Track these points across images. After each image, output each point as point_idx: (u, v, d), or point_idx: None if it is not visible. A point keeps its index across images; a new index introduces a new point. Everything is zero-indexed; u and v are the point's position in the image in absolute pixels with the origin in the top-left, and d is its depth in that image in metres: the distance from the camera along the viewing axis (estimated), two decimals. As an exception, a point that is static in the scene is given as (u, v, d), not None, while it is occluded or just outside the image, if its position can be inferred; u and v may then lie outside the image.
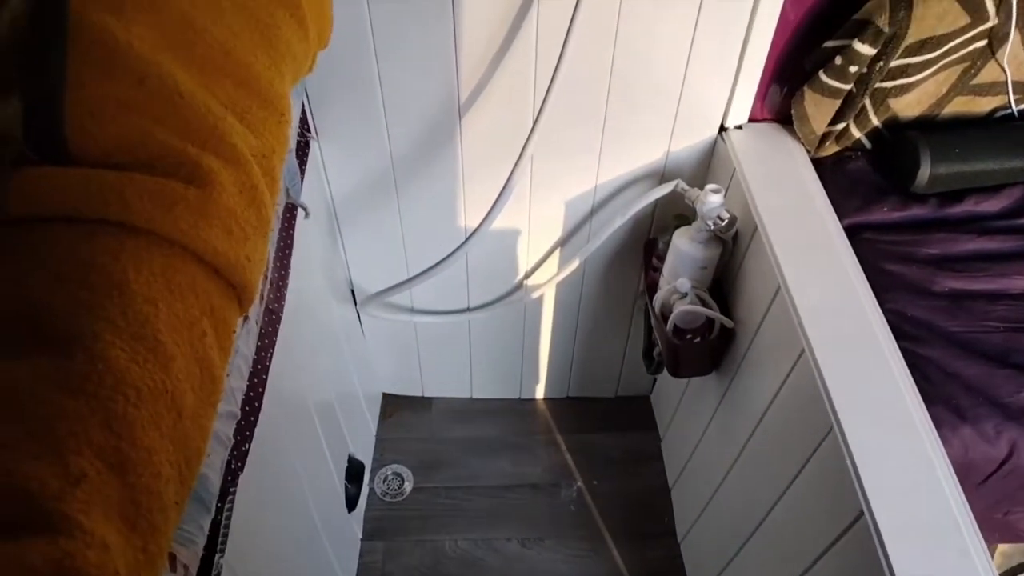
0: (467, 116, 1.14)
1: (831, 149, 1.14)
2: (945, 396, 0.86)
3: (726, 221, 1.08)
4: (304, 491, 1.07)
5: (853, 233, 1.04)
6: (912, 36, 0.96)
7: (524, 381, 1.77)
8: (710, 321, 1.18)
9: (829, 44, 1.03)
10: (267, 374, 0.76)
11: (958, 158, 1.06)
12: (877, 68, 1.00)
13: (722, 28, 1.05)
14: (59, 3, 0.45)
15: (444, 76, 1.08)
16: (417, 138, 1.18)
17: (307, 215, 0.96)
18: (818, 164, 1.14)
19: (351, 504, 1.38)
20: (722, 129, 1.20)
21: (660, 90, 1.13)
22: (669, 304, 1.19)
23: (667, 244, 1.20)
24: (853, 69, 1.00)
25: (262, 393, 0.73)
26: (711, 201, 1.09)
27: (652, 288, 1.28)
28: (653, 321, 1.25)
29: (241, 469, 0.67)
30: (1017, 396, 0.86)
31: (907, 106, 1.09)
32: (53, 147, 0.46)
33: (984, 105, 1.12)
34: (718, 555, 1.30)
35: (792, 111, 1.11)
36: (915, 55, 1.00)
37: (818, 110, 1.08)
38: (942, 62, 1.03)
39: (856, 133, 1.12)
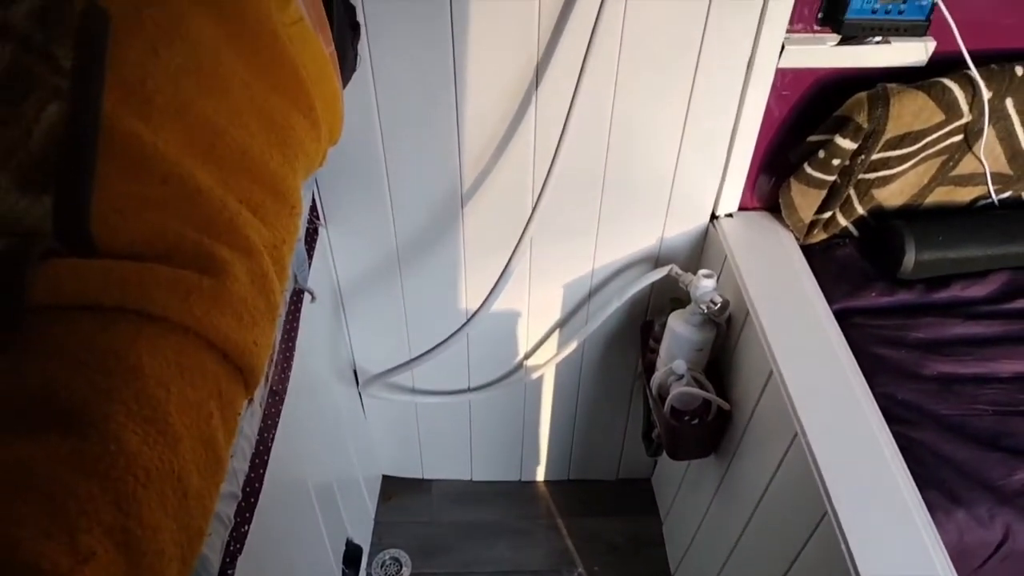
0: (469, 204, 1.19)
1: (819, 236, 1.18)
2: (938, 480, 0.87)
3: (719, 305, 1.11)
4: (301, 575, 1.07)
5: (843, 318, 1.07)
6: (891, 131, 1.01)
7: (524, 463, 1.76)
8: (707, 403, 1.19)
9: (812, 138, 1.08)
10: (268, 455, 0.77)
11: (942, 245, 1.10)
12: (859, 161, 1.05)
13: (710, 123, 1.11)
14: (94, 111, 0.49)
15: (448, 167, 1.14)
16: (421, 225, 1.22)
17: (313, 299, 0.99)
18: (807, 251, 1.18)
19: (348, 589, 1.36)
20: (713, 217, 1.25)
21: (653, 181, 1.18)
22: (666, 385, 1.21)
23: (663, 326, 1.22)
24: (836, 162, 1.05)
25: (263, 475, 0.75)
26: (704, 285, 1.12)
27: (649, 370, 1.30)
28: (651, 403, 1.26)
29: (240, 551, 0.68)
30: (1009, 479, 0.87)
31: (890, 196, 1.14)
32: (79, 240, 0.49)
33: (965, 195, 1.16)
34: (721, 645, 1.27)
35: (780, 200, 1.16)
36: (895, 149, 1.05)
37: (804, 200, 1.12)
38: (921, 155, 1.08)
39: (843, 221, 1.16)
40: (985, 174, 1.12)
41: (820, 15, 1.01)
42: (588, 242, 1.28)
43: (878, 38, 1.01)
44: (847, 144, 1.03)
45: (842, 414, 0.94)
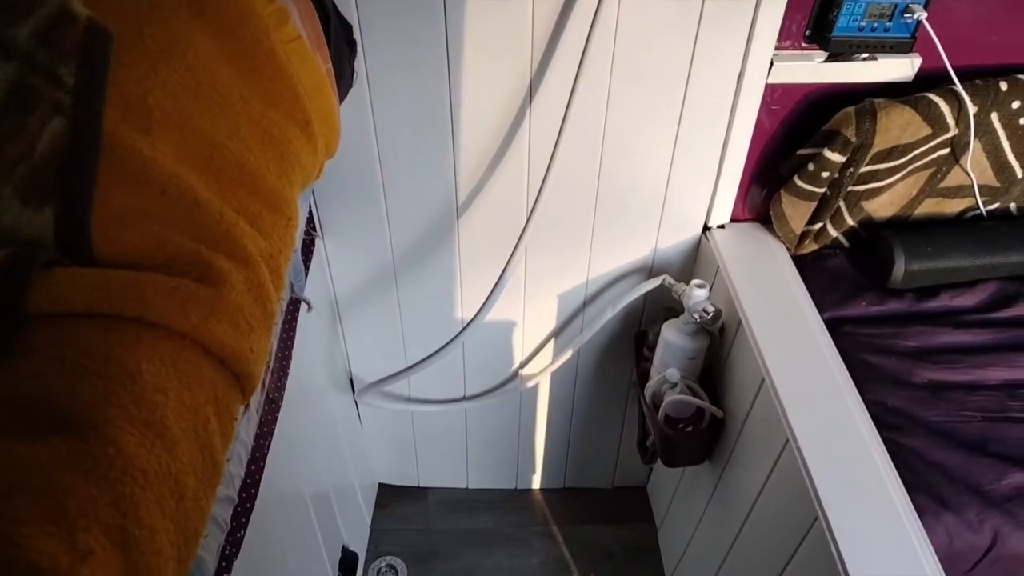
0: (464, 215, 1.21)
1: (810, 247, 1.20)
2: (927, 485, 0.88)
3: (711, 314, 1.13)
4: (296, 582, 1.08)
5: (833, 327, 1.08)
6: (878, 145, 1.03)
7: (520, 471, 1.77)
8: (701, 411, 1.20)
9: (802, 152, 1.10)
10: (264, 462, 0.78)
11: (931, 255, 1.11)
12: (848, 174, 1.07)
13: (702, 137, 1.13)
14: (95, 126, 0.51)
15: (443, 180, 1.16)
16: (417, 235, 1.24)
17: (309, 309, 1.01)
18: (798, 261, 1.19)
19: (344, 597, 1.37)
20: (706, 228, 1.27)
21: (646, 192, 1.20)
22: (660, 394, 1.22)
23: (657, 335, 1.24)
24: (825, 175, 1.07)
25: (259, 480, 0.76)
26: (696, 295, 1.14)
27: (644, 378, 1.31)
28: (645, 410, 1.27)
29: (235, 555, 0.69)
30: (998, 484, 0.88)
31: (880, 207, 1.16)
32: (80, 250, 0.50)
33: (953, 206, 1.18)
34: (715, 653, 1.28)
35: (771, 212, 1.17)
36: (883, 162, 1.07)
37: (795, 211, 1.14)
38: (909, 167, 1.10)
39: (833, 232, 1.18)
40: (973, 186, 1.14)
41: (807, 32, 1.03)
42: (582, 252, 1.29)
43: (865, 55, 1.03)
44: (836, 157, 1.05)
45: (833, 421, 0.95)
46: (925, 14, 0.98)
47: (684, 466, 1.42)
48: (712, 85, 1.07)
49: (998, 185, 1.15)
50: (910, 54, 1.04)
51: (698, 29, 1.01)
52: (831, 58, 1.04)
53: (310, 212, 1.16)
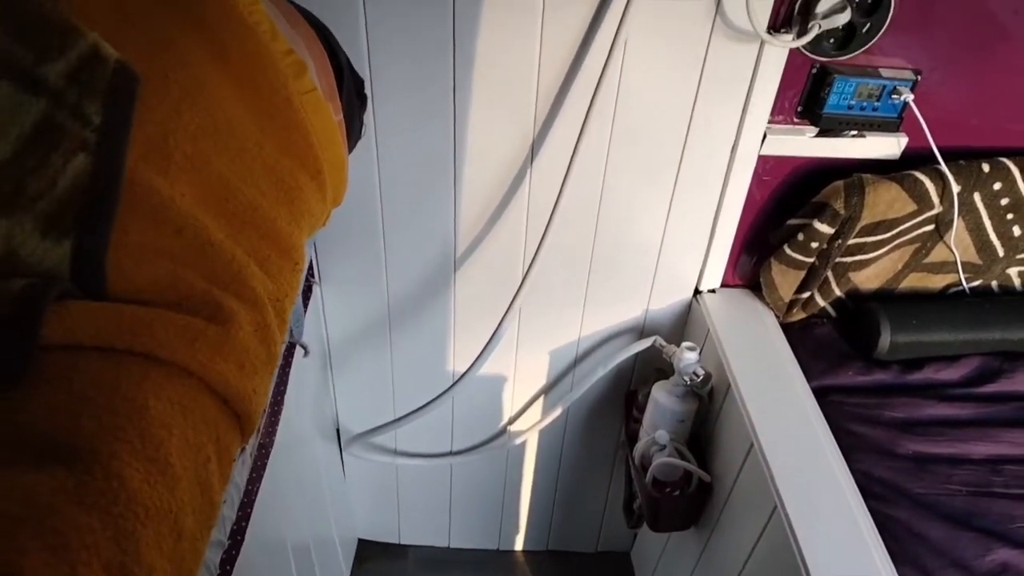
0: (461, 269, 1.22)
1: (799, 315, 1.22)
2: (913, 557, 0.88)
3: (701, 377, 1.14)
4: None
5: (821, 394, 1.10)
6: (866, 219, 1.06)
7: (504, 531, 1.75)
8: (688, 474, 1.20)
9: (792, 222, 1.13)
10: (252, 507, 0.77)
11: (916, 329, 1.14)
12: (836, 245, 1.10)
13: (696, 204, 1.16)
14: (117, 164, 0.52)
15: (443, 233, 1.18)
16: (414, 287, 1.25)
17: (306, 354, 1.01)
18: (787, 328, 1.21)
19: (317, 656, 1.32)
20: (697, 292, 1.29)
21: (639, 255, 1.22)
22: (649, 455, 1.22)
23: (647, 396, 1.25)
24: (814, 245, 1.10)
25: (246, 527, 0.75)
26: (687, 358, 1.15)
27: (632, 439, 1.31)
28: (633, 472, 1.27)
29: (217, 603, 0.68)
30: (982, 560, 0.88)
31: (866, 279, 1.18)
32: (94, 284, 0.51)
33: (937, 281, 1.21)
34: None
35: (761, 279, 1.20)
36: (870, 235, 1.10)
37: (784, 280, 1.16)
38: (896, 242, 1.13)
39: (821, 302, 1.20)
40: (956, 263, 1.17)
41: (800, 108, 1.07)
42: (576, 311, 1.31)
43: (854, 132, 1.07)
44: (825, 228, 1.08)
45: (821, 489, 0.96)
46: (912, 96, 1.02)
47: (671, 531, 1.40)
48: (707, 154, 1.10)
49: (980, 263, 1.18)
50: (897, 133, 1.08)
51: (695, 101, 1.05)
52: (822, 133, 1.08)
53: (310, 259, 1.18)
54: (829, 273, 1.16)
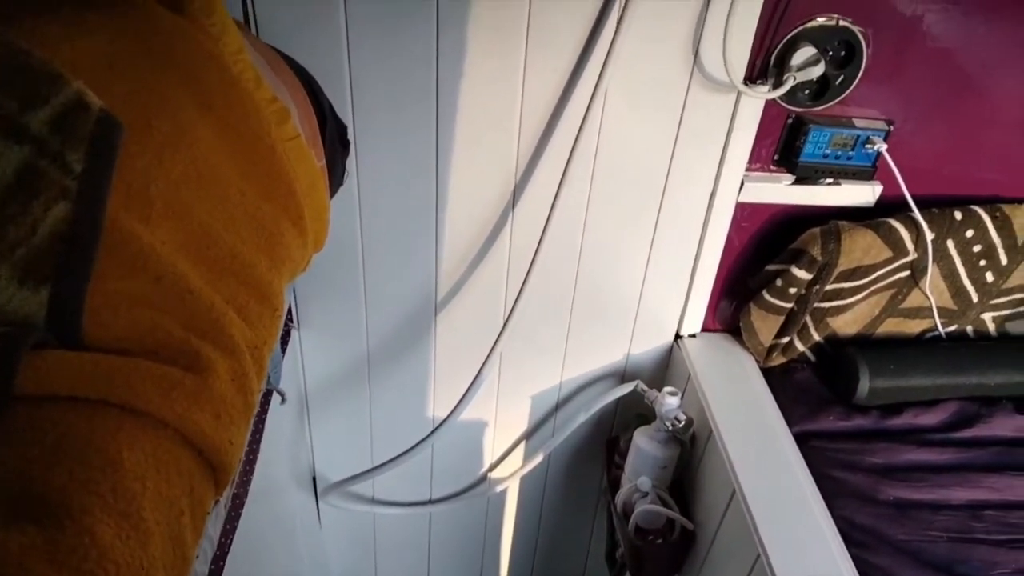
0: (442, 314, 1.22)
1: (778, 360, 1.23)
2: (897, 607, 0.88)
3: (683, 423, 1.14)
4: None
5: (802, 440, 1.10)
6: (842, 265, 1.08)
7: (483, 582, 1.71)
8: (671, 522, 1.19)
9: (771, 267, 1.14)
10: (225, 560, 0.75)
11: (894, 374, 1.15)
12: (814, 291, 1.11)
13: (675, 250, 1.17)
14: (97, 212, 0.52)
15: (424, 279, 1.18)
16: (394, 332, 1.25)
17: (283, 401, 1.00)
18: (767, 373, 1.22)
19: None
20: (678, 336, 1.29)
21: (620, 300, 1.23)
22: (631, 502, 1.20)
23: (628, 442, 1.24)
24: (793, 290, 1.11)
25: (218, 581, 0.73)
26: (668, 403, 1.15)
27: (615, 486, 1.30)
28: (615, 520, 1.25)
29: (187, 662, 0.65)
30: (966, 609, 0.88)
31: (844, 324, 1.20)
32: (70, 332, 0.50)
33: (914, 327, 1.23)
34: None
35: (741, 324, 1.21)
36: (847, 281, 1.12)
37: (764, 324, 1.17)
38: (872, 287, 1.15)
39: (800, 347, 1.21)
40: (932, 308, 1.19)
41: (776, 157, 1.10)
42: (557, 356, 1.31)
43: (830, 179, 1.10)
44: (803, 274, 1.09)
45: (804, 537, 0.95)
46: (885, 146, 1.05)
47: (653, 580, 1.38)
48: (686, 201, 1.12)
49: (955, 308, 1.20)
50: (872, 181, 1.11)
51: (674, 149, 1.06)
52: (798, 181, 1.10)
53: (289, 304, 1.17)
54: (808, 318, 1.17)
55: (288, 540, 1.30)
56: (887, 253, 1.09)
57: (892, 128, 1.06)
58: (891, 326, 1.22)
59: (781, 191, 1.11)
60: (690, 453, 1.22)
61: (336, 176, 0.99)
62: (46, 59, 0.51)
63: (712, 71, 0.99)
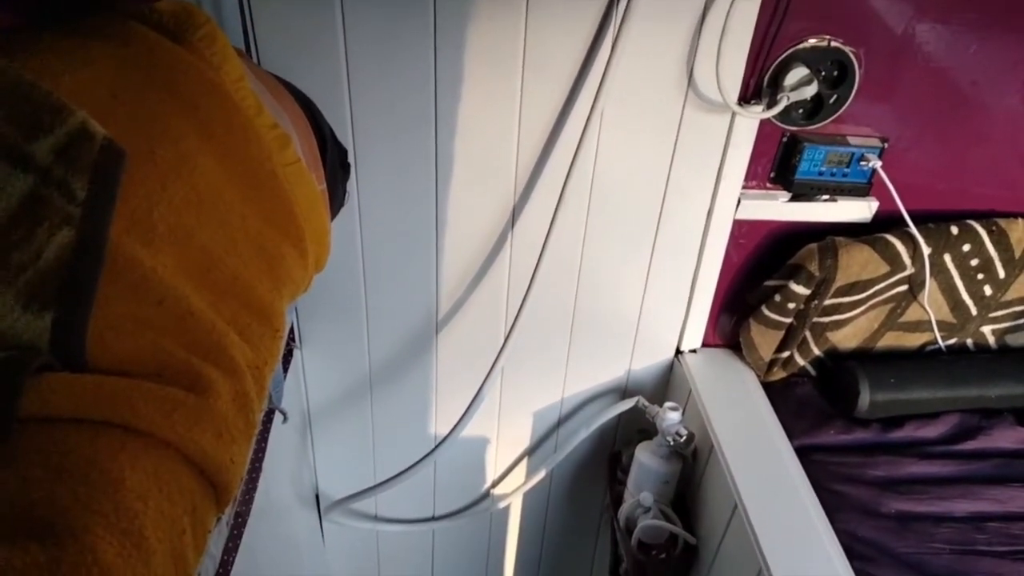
0: (443, 332, 1.23)
1: (779, 374, 1.23)
2: (899, 621, 0.87)
3: (684, 437, 1.14)
4: None
5: (803, 454, 1.10)
6: (840, 280, 1.09)
7: (488, 599, 1.71)
8: (674, 537, 1.19)
9: (769, 283, 1.15)
10: (227, 579, 0.76)
11: (894, 387, 1.15)
12: (813, 306, 1.12)
13: (674, 267, 1.18)
14: (101, 238, 0.53)
15: (425, 297, 1.19)
16: (395, 350, 1.26)
17: (285, 420, 1.01)
18: (768, 388, 1.22)
19: None
20: (678, 352, 1.30)
21: (620, 317, 1.24)
22: (633, 518, 1.21)
23: (631, 457, 1.24)
24: (791, 306, 1.12)
25: (220, 599, 0.73)
26: (670, 418, 1.15)
27: (617, 501, 1.30)
28: (618, 535, 1.26)
29: None
30: (968, 624, 0.88)
31: (844, 339, 1.20)
32: (74, 356, 0.51)
33: (914, 340, 1.23)
34: None
35: (741, 339, 1.21)
36: (845, 296, 1.12)
37: (764, 340, 1.18)
38: (871, 302, 1.16)
39: (800, 361, 1.22)
40: (931, 321, 1.20)
41: (772, 174, 1.11)
42: (558, 372, 1.31)
43: (826, 196, 1.11)
44: (801, 290, 1.10)
45: (806, 551, 0.95)
46: (879, 163, 1.06)
47: (656, 596, 1.38)
48: (684, 218, 1.13)
49: (955, 321, 1.21)
50: (868, 197, 1.11)
51: (670, 168, 1.08)
52: (794, 198, 1.11)
53: (291, 323, 1.18)
54: (807, 333, 1.18)
55: (291, 557, 1.30)
56: (884, 268, 1.10)
57: (887, 145, 1.07)
58: (891, 340, 1.22)
59: (778, 208, 1.12)
60: (692, 468, 1.22)
61: (337, 198, 1.01)
62: (50, 90, 0.53)
63: (706, 92, 1.01)
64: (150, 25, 0.65)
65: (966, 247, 1.13)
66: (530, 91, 0.99)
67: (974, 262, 1.14)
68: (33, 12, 0.62)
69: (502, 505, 1.47)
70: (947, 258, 1.14)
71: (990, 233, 1.12)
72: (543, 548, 1.61)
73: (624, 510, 1.23)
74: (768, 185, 1.12)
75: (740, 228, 1.15)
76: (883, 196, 1.10)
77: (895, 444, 1.14)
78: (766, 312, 1.15)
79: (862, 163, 1.07)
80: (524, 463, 1.46)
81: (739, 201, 1.11)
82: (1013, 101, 1.07)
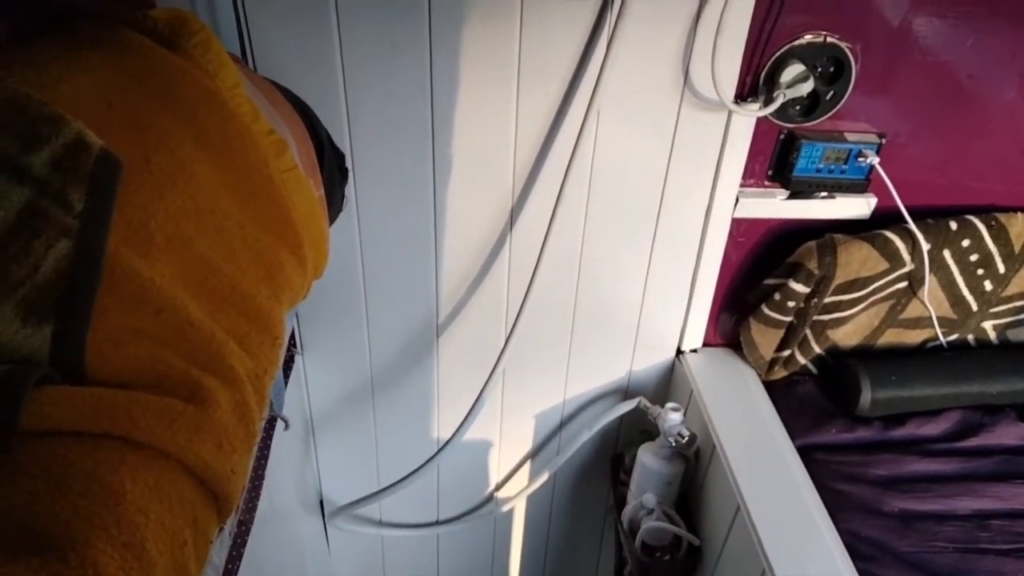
0: (444, 335, 1.23)
1: (780, 373, 1.23)
2: (904, 620, 0.87)
3: (686, 438, 1.14)
4: None
5: (805, 453, 1.10)
6: (840, 277, 1.08)
7: (492, 602, 1.71)
8: (678, 538, 1.19)
9: (768, 282, 1.15)
10: (231, 588, 0.76)
11: (896, 384, 1.15)
12: (813, 304, 1.11)
13: (673, 266, 1.18)
14: (98, 249, 0.53)
15: (425, 301, 1.19)
16: (396, 354, 1.26)
17: (287, 427, 1.00)
18: (769, 387, 1.22)
19: None
20: (679, 352, 1.30)
21: (620, 317, 1.24)
22: (637, 520, 1.21)
23: (633, 459, 1.24)
24: (791, 304, 1.12)
25: (224, 608, 0.73)
26: (671, 419, 1.15)
27: (620, 503, 1.30)
28: (622, 537, 1.25)
29: None
30: (973, 620, 0.87)
31: (845, 336, 1.20)
32: (73, 368, 0.51)
33: (915, 336, 1.23)
34: None
35: (741, 338, 1.21)
36: (845, 293, 1.12)
37: (764, 338, 1.18)
38: (871, 299, 1.15)
39: (801, 359, 1.22)
40: (931, 318, 1.19)
41: (770, 172, 1.11)
42: (559, 373, 1.31)
43: (824, 193, 1.10)
44: (800, 288, 1.10)
45: (809, 551, 0.95)
46: (877, 159, 1.06)
47: (661, 597, 1.38)
48: (682, 217, 1.13)
49: (955, 317, 1.20)
50: (866, 194, 1.11)
51: (668, 167, 1.08)
52: (793, 196, 1.11)
53: (292, 329, 1.18)
54: (808, 331, 1.18)
55: (296, 564, 1.30)
56: (884, 265, 1.10)
57: (884, 141, 1.07)
58: (892, 337, 1.22)
59: (776, 206, 1.12)
60: (695, 469, 1.22)
61: (335, 204, 1.01)
62: (46, 101, 0.53)
63: (702, 90, 1.01)
64: (145, 32, 0.64)
65: (965, 242, 1.13)
66: (526, 93, 0.99)
67: (974, 257, 1.14)
68: (24, 23, 0.62)
69: (506, 508, 1.47)
70: (946, 254, 1.13)
71: (989, 228, 1.12)
72: (547, 551, 1.61)
73: (627, 512, 1.23)
74: (766, 183, 1.12)
75: (739, 226, 1.15)
76: (881, 192, 1.10)
77: (897, 442, 1.14)
78: (766, 311, 1.15)
79: (860, 159, 1.07)
80: (527, 466, 1.45)
81: (737, 199, 1.11)
82: (1011, 94, 1.07)
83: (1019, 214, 1.13)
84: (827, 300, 1.12)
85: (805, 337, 1.18)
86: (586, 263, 1.17)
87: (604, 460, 1.45)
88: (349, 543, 1.55)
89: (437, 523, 1.51)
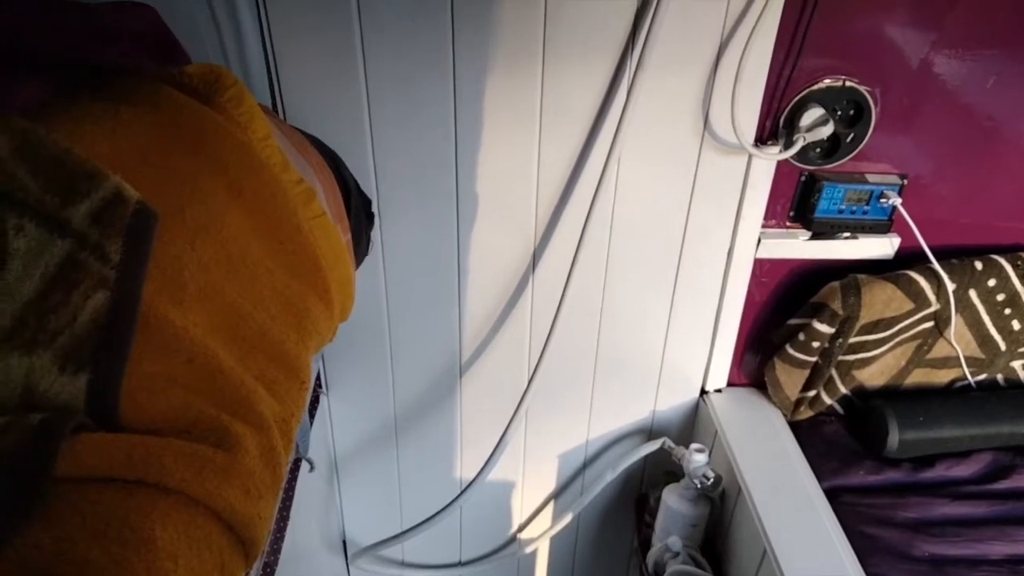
0: (467, 376, 1.23)
1: (806, 414, 1.22)
2: (939, 672, 0.85)
3: (712, 480, 1.13)
4: None
5: (832, 495, 1.08)
6: (864, 318, 1.08)
7: (516, 646, 1.68)
8: (703, 583, 1.17)
9: (792, 322, 1.15)
10: (255, 632, 0.76)
11: (923, 426, 1.13)
12: (837, 344, 1.11)
13: (696, 307, 1.18)
14: (134, 299, 0.55)
15: (448, 341, 1.20)
16: (420, 395, 1.26)
17: (312, 469, 1.01)
18: (795, 427, 1.21)
19: None
20: (703, 392, 1.29)
21: (643, 358, 1.24)
22: (662, 562, 1.19)
23: (658, 500, 1.23)
24: (816, 344, 1.11)
25: (248, 652, 0.73)
26: (696, 460, 1.14)
27: (645, 545, 1.28)
28: (646, 581, 1.24)
29: None
30: (1011, 673, 0.85)
31: (871, 376, 1.19)
32: (108, 415, 0.53)
33: (943, 376, 1.21)
34: None
35: (766, 379, 1.20)
36: (870, 333, 1.11)
37: (789, 379, 1.17)
38: (897, 339, 1.14)
39: (827, 399, 1.20)
40: (959, 357, 1.18)
41: (792, 213, 1.11)
42: (582, 414, 1.31)
43: (846, 234, 1.10)
44: (825, 328, 1.09)
45: (838, 598, 0.93)
46: (900, 200, 1.06)
47: (688, 643, 1.35)
48: (704, 258, 1.13)
49: (983, 357, 1.19)
50: (889, 234, 1.11)
51: (689, 210, 1.08)
52: (815, 236, 1.11)
53: (318, 370, 1.19)
54: (833, 371, 1.17)
55: (318, 606, 1.29)
56: (909, 305, 1.09)
57: (906, 182, 1.07)
58: (919, 376, 1.21)
59: (798, 247, 1.12)
60: (720, 511, 1.20)
61: (361, 248, 1.02)
62: (85, 156, 0.55)
63: (722, 134, 1.02)
64: (180, 88, 0.67)
65: (991, 282, 1.12)
66: (548, 137, 1.01)
67: (1000, 297, 1.13)
68: (66, 80, 0.65)
69: (529, 550, 1.46)
70: (972, 293, 1.12)
71: (1015, 267, 1.11)
72: (571, 593, 1.59)
73: (652, 554, 1.22)
74: (788, 224, 1.12)
75: (761, 267, 1.15)
76: (905, 232, 1.10)
77: (927, 484, 1.12)
78: (790, 351, 1.14)
79: (882, 200, 1.07)
80: (550, 507, 1.44)
81: (759, 240, 1.11)
82: (1033, 133, 1.07)
83: (1046, 253, 1.12)
84: (852, 340, 1.11)
85: (831, 377, 1.17)
86: (608, 304, 1.17)
87: (628, 501, 1.44)
88: (371, 584, 1.55)
89: (460, 564, 1.50)
